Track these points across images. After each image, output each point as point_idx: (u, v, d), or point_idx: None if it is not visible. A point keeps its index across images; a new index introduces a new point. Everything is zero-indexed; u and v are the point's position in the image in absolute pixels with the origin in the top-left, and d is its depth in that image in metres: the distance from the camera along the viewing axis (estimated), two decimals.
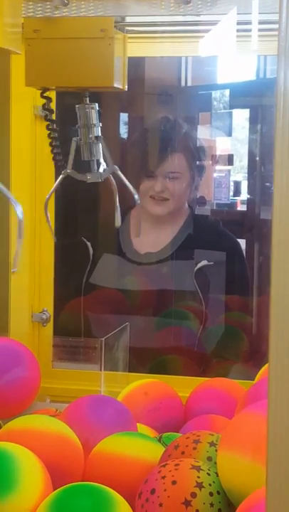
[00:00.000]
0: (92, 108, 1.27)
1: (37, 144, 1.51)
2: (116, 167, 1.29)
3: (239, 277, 1.85)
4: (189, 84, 2.54)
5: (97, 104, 1.28)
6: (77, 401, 1.24)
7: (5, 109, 1.45)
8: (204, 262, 1.76)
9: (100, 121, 1.29)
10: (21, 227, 1.10)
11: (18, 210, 1.04)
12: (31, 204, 1.51)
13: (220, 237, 1.83)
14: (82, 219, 1.91)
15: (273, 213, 0.57)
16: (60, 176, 1.28)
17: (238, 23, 1.34)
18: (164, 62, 2.36)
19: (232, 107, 2.49)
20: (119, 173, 1.29)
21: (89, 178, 1.28)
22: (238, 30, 1.37)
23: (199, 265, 1.76)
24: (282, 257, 0.57)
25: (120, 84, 1.23)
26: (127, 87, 1.27)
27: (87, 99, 1.27)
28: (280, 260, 0.57)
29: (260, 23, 1.27)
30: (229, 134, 2.57)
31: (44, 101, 1.48)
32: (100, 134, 1.28)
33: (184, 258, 1.79)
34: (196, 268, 1.76)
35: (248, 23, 1.28)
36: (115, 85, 1.20)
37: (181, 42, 1.48)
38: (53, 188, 1.30)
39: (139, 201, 1.36)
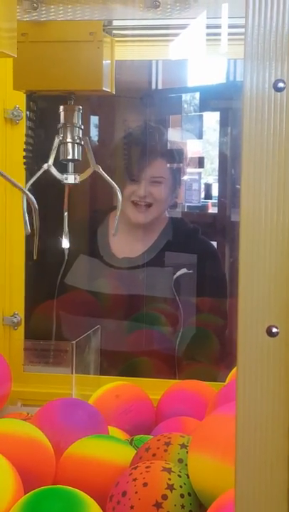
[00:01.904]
0: (78, 110, 1.26)
1: (7, 147, 1.51)
2: (98, 166, 1.28)
3: (216, 283, 1.86)
4: (160, 87, 2.55)
5: (81, 107, 1.27)
6: (48, 404, 1.24)
7: None
8: (184, 270, 1.76)
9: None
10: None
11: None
12: (1, 204, 1.51)
13: (199, 245, 1.84)
14: (57, 218, 1.90)
15: (241, 215, 0.57)
16: (41, 169, 1.27)
17: (208, 27, 1.34)
18: (135, 66, 2.37)
19: (202, 109, 2.51)
20: (102, 171, 1.29)
21: (66, 178, 1.27)
22: (207, 34, 1.38)
23: (179, 273, 1.76)
24: (249, 259, 0.57)
25: (109, 87, 1.23)
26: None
27: (72, 102, 1.26)
28: (247, 262, 0.57)
29: (230, 27, 1.28)
30: (200, 136, 2.58)
31: (15, 104, 1.48)
32: (81, 136, 1.27)
33: (162, 265, 1.79)
34: (175, 276, 1.76)
35: (218, 26, 1.28)
36: (104, 89, 1.20)
37: (151, 46, 1.49)
38: (32, 179, 1.28)
39: (120, 198, 1.35)
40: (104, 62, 1.17)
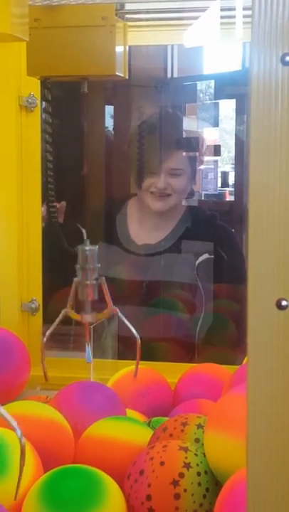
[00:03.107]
0: (95, 251, 1.28)
1: (23, 134, 1.52)
2: (116, 308, 1.31)
3: (234, 268, 1.87)
4: (175, 75, 2.55)
5: (97, 247, 1.29)
6: (67, 387, 1.25)
7: None
8: (206, 256, 1.78)
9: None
10: None
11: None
12: (18, 191, 1.52)
13: (218, 231, 1.85)
14: (76, 206, 1.91)
15: (249, 189, 0.58)
16: (60, 315, 1.30)
17: (222, 9, 1.35)
18: (149, 53, 2.37)
19: (218, 97, 2.50)
20: (120, 314, 1.32)
21: (85, 317, 1.29)
22: (222, 17, 1.39)
23: (201, 259, 1.77)
24: (257, 233, 0.58)
25: (122, 72, 1.24)
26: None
27: (86, 87, 1.27)
28: (255, 236, 0.58)
29: (245, 9, 1.28)
30: (216, 124, 2.58)
31: (30, 91, 1.49)
32: (98, 275, 1.29)
33: (182, 251, 1.81)
34: (197, 262, 1.77)
35: (232, 9, 1.29)
36: (117, 73, 1.21)
37: (164, 30, 1.49)
38: (52, 326, 1.31)
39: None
40: (117, 46, 1.18)
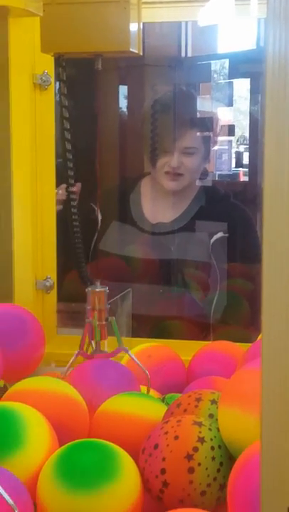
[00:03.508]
0: (105, 293, 1.30)
1: (36, 112, 1.52)
2: (127, 348, 1.31)
3: (249, 247, 1.87)
4: (189, 54, 2.54)
5: (107, 288, 1.31)
6: (82, 364, 1.27)
7: (4, 77, 1.45)
8: (220, 234, 1.78)
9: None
10: None
11: None
12: (32, 170, 1.52)
13: (232, 209, 1.85)
14: (89, 185, 1.92)
15: (264, 166, 0.58)
16: (73, 357, 1.30)
17: None
18: (164, 32, 2.36)
19: (232, 76, 2.49)
20: (130, 353, 1.32)
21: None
22: None
23: (216, 237, 1.78)
24: (273, 222, 0.58)
25: (136, 48, 1.23)
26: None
27: (100, 63, 1.26)
28: (271, 227, 0.58)
29: None
30: (230, 104, 2.57)
31: (44, 69, 1.49)
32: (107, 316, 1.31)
33: (196, 230, 1.81)
34: (212, 240, 1.78)
35: None
36: (131, 50, 1.20)
37: (179, 7, 1.49)
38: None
39: None
40: (131, 23, 1.17)
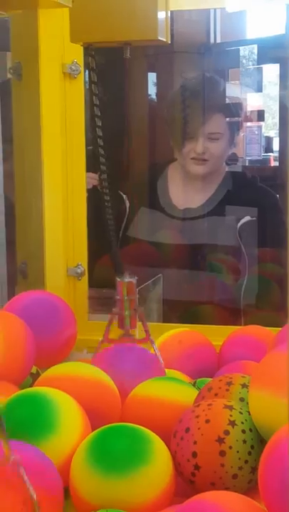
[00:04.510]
0: (132, 282, 1.29)
1: (67, 100, 1.53)
2: (152, 340, 1.31)
3: (278, 231, 1.88)
4: (218, 40, 2.54)
5: (136, 278, 1.30)
6: (105, 350, 1.28)
7: (34, 67, 1.47)
8: (248, 218, 1.79)
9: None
10: None
11: None
12: (63, 158, 1.54)
13: (259, 193, 1.86)
14: (117, 173, 1.93)
15: None
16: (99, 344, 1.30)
17: None
18: (192, 19, 2.36)
19: (261, 62, 2.49)
20: (154, 345, 1.31)
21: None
22: None
23: (243, 221, 1.79)
24: None
25: (164, 37, 1.24)
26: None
27: (128, 52, 1.27)
28: None
29: None
30: (259, 90, 2.56)
31: (73, 58, 1.50)
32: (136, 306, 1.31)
33: (224, 214, 1.82)
34: (239, 224, 1.79)
35: None
36: (159, 38, 1.21)
37: None
38: None
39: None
40: (158, 11, 1.18)
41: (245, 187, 1.87)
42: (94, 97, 1.31)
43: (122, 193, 1.84)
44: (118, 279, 1.29)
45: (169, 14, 1.27)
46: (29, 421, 1.01)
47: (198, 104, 1.87)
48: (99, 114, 1.31)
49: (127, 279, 1.29)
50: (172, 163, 1.89)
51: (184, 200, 1.84)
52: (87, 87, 1.48)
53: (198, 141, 1.78)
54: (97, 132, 1.34)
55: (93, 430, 1.03)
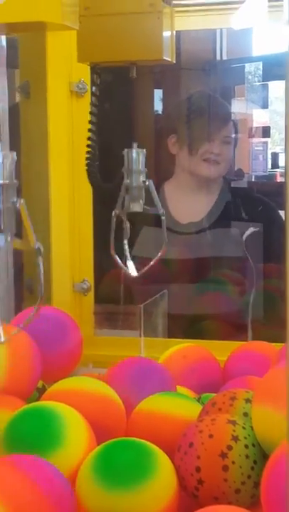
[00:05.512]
0: (143, 153, 1.29)
1: (74, 118, 1.55)
2: (163, 211, 1.33)
3: (276, 241, 1.89)
4: (224, 57, 2.56)
5: (144, 150, 1.29)
6: (119, 364, 1.29)
7: (42, 85, 1.49)
8: (251, 229, 1.81)
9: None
10: None
11: None
12: (69, 175, 1.56)
13: (257, 204, 1.89)
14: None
15: None
16: (113, 219, 1.30)
17: None
18: (199, 36, 2.38)
19: (267, 79, 2.51)
20: (163, 218, 1.32)
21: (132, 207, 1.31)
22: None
23: (248, 232, 1.80)
24: None
25: (169, 57, 1.26)
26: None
27: (134, 72, 1.29)
28: None
29: None
30: (265, 106, 2.58)
31: (80, 77, 1.53)
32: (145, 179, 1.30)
33: (227, 226, 1.85)
34: (245, 236, 1.80)
35: None
36: (164, 58, 1.23)
37: (212, 15, 1.51)
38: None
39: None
40: (164, 32, 1.20)
41: (242, 197, 1.91)
42: (93, 107, 1.32)
43: (122, 216, 1.86)
44: (126, 150, 1.27)
45: (174, 34, 1.29)
46: (36, 435, 1.03)
47: (220, 108, 1.96)
48: (94, 129, 1.33)
49: (135, 149, 1.26)
50: (166, 181, 1.93)
51: (186, 215, 1.87)
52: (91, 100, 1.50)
53: (215, 143, 1.84)
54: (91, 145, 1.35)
55: (98, 444, 1.04)
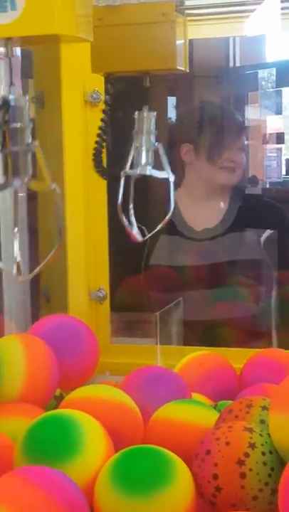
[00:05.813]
0: (153, 116, 1.30)
1: (88, 128, 1.56)
2: (172, 175, 1.32)
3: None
4: (237, 64, 2.56)
5: (155, 113, 1.31)
6: (135, 372, 1.30)
7: (57, 95, 1.50)
8: (268, 232, 1.82)
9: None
10: None
11: None
12: (84, 184, 1.57)
13: (268, 208, 1.91)
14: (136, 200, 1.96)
15: None
16: (121, 179, 1.30)
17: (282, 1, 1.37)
18: (211, 44, 2.39)
19: (281, 85, 2.51)
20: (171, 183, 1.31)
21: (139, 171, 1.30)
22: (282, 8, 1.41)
23: (265, 235, 1.82)
24: None
25: (182, 66, 1.27)
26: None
27: (148, 81, 1.30)
28: None
29: None
30: (279, 112, 2.58)
31: (94, 87, 1.54)
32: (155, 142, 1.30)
33: (242, 230, 1.86)
34: (262, 239, 1.82)
35: None
36: (178, 67, 1.24)
37: (225, 23, 1.52)
38: (120, 193, 1.32)
39: None
40: (177, 41, 1.21)
41: (253, 202, 1.94)
42: (103, 118, 1.33)
43: (140, 225, 1.87)
44: (137, 112, 1.28)
45: (187, 43, 1.30)
46: (54, 442, 1.03)
47: (236, 116, 2.01)
48: (104, 136, 1.34)
49: (146, 111, 1.28)
50: (176, 189, 1.93)
51: (201, 221, 1.88)
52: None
53: (232, 151, 1.88)
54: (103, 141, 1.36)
55: (116, 452, 1.05)
